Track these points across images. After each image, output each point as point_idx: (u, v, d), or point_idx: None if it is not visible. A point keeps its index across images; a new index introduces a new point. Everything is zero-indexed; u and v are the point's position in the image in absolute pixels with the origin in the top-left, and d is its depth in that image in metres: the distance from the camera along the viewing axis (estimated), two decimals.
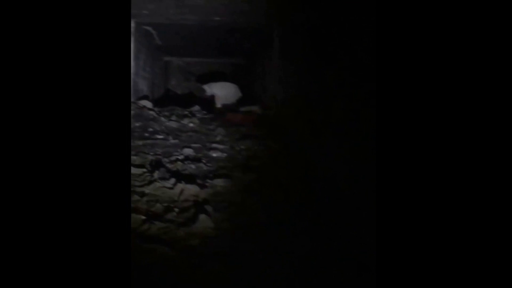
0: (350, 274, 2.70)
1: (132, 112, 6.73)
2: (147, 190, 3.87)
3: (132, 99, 7.31)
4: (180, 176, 4.19)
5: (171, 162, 4.83)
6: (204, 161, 4.99)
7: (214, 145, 5.71)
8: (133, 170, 4.36)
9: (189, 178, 4.19)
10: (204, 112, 8.14)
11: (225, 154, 5.37)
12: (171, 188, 3.91)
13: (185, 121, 7.04)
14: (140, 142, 5.54)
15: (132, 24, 7.30)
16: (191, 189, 3.89)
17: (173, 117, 7.19)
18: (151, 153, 5.08)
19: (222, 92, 8.88)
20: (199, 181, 4.19)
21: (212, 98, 8.74)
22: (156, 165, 4.59)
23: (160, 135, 6.00)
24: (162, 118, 7.02)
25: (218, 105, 8.42)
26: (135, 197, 3.70)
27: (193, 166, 4.72)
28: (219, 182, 4.27)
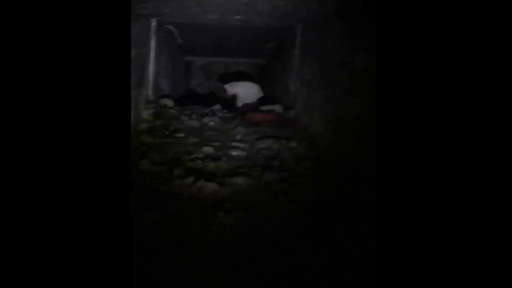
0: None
1: (152, 110, 6.76)
2: (166, 188, 3.88)
3: (153, 98, 7.33)
4: (199, 174, 4.18)
5: (191, 160, 4.83)
6: (223, 159, 4.98)
7: (234, 143, 5.70)
8: (153, 168, 4.37)
9: (208, 176, 4.18)
10: (225, 111, 8.13)
11: (245, 153, 5.35)
12: (190, 186, 3.91)
13: (206, 120, 7.04)
14: (161, 141, 5.56)
15: (154, 23, 7.32)
16: (210, 187, 3.88)
17: (194, 116, 7.19)
18: (171, 152, 5.09)
19: (243, 91, 8.86)
20: (218, 179, 4.18)
21: (233, 97, 8.73)
22: (176, 162, 4.60)
23: (180, 133, 6.01)
24: (183, 117, 7.03)
25: (239, 104, 8.40)
26: (153, 196, 3.71)
27: (212, 165, 4.72)
28: (238, 180, 4.25)
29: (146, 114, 6.58)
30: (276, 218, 3.48)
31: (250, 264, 2.73)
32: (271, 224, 3.36)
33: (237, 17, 6.79)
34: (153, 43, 7.38)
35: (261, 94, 8.92)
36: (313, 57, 6.48)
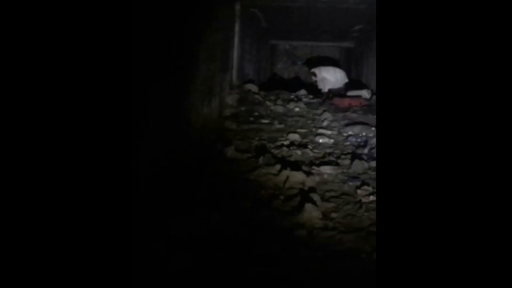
0: None
1: (237, 96, 6.70)
2: (251, 176, 3.78)
3: (237, 83, 7.27)
4: (285, 163, 4.04)
5: (277, 147, 4.70)
6: (310, 147, 4.81)
7: (321, 130, 5.51)
8: (239, 155, 4.29)
9: (295, 165, 4.03)
10: (311, 96, 7.94)
11: (332, 140, 5.15)
12: (276, 175, 3.78)
13: (291, 105, 6.89)
14: (246, 127, 5.48)
15: (238, 7, 7.23)
16: (297, 176, 3.73)
17: (279, 102, 7.06)
18: (257, 138, 4.99)
19: (329, 76, 8.60)
20: (304, 168, 4.02)
21: (318, 82, 8.49)
22: (261, 150, 4.49)
23: (265, 119, 5.91)
24: (268, 103, 6.92)
25: (325, 89, 8.15)
26: (241, 183, 3.62)
27: (298, 152, 4.56)
28: (326, 169, 4.07)
29: (230, 99, 6.52)
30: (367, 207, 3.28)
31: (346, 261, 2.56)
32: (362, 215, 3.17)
33: None
34: (237, 27, 7.30)
35: (346, 80, 8.61)
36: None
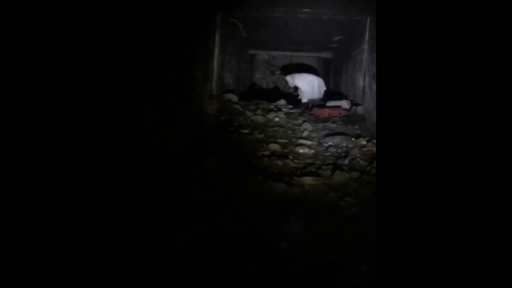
0: None
1: (217, 106, 6.67)
2: (233, 187, 3.75)
3: (217, 92, 7.24)
4: (267, 173, 4.01)
5: (257, 158, 4.68)
6: (290, 157, 4.80)
7: (301, 140, 5.50)
8: (219, 166, 4.25)
9: (276, 176, 4.01)
10: (290, 106, 7.94)
11: (312, 151, 5.15)
12: (258, 186, 3.75)
13: (271, 115, 6.88)
14: (226, 137, 5.45)
15: (219, 17, 7.21)
16: (279, 187, 3.71)
17: (259, 111, 7.05)
18: (237, 148, 4.96)
19: (304, 84, 8.57)
20: (286, 178, 4.00)
21: (297, 92, 8.51)
22: (242, 160, 4.46)
23: (245, 129, 5.88)
24: (248, 112, 6.89)
25: (304, 100, 8.17)
26: (223, 195, 3.58)
27: (279, 163, 4.55)
28: (307, 180, 4.06)
29: (210, 109, 6.49)
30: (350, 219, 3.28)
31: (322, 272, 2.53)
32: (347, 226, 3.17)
33: (305, 10, 6.57)
34: (218, 38, 7.28)
35: (324, 88, 8.61)
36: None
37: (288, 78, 8.91)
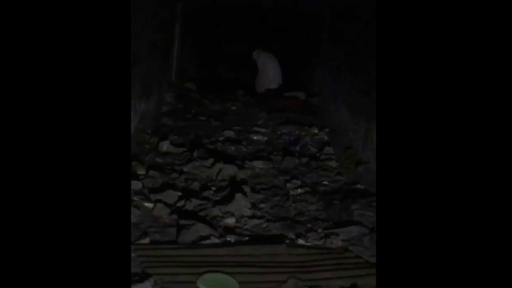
0: None
1: (175, 93, 6.77)
2: (185, 168, 3.88)
3: (176, 81, 7.34)
4: (219, 156, 4.16)
5: (211, 143, 4.83)
6: (244, 143, 4.96)
7: (256, 128, 5.67)
8: (173, 149, 4.38)
9: (228, 159, 4.17)
10: (248, 96, 8.07)
11: (266, 138, 5.32)
12: (209, 167, 3.90)
13: (229, 104, 7.03)
14: (182, 123, 5.57)
15: (180, 7, 7.30)
16: (229, 169, 3.86)
17: (217, 101, 7.18)
18: (192, 134, 5.09)
19: (270, 65, 8.50)
20: (237, 162, 4.16)
21: (257, 80, 8.57)
22: (196, 144, 4.60)
23: (202, 117, 6.01)
24: (206, 101, 7.02)
25: (261, 89, 8.28)
26: (174, 175, 3.72)
27: (232, 148, 4.71)
28: (258, 164, 4.23)
29: (168, 97, 6.59)
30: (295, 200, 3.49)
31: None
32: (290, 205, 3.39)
33: None
34: (178, 27, 7.37)
35: (280, 79, 8.67)
36: (340, 44, 6.36)
37: (255, 53, 8.89)
